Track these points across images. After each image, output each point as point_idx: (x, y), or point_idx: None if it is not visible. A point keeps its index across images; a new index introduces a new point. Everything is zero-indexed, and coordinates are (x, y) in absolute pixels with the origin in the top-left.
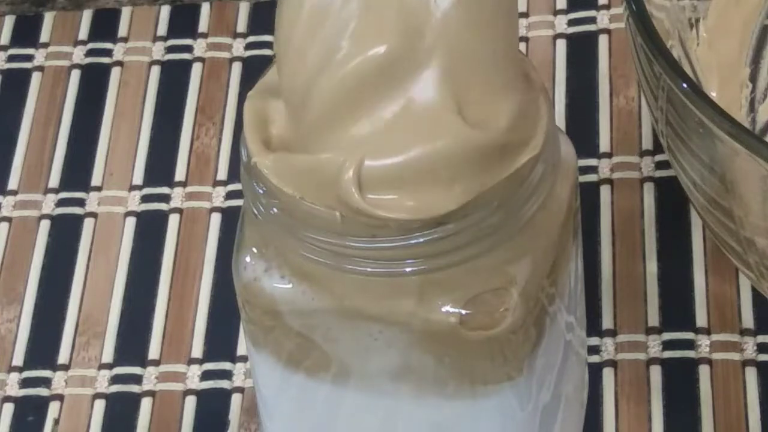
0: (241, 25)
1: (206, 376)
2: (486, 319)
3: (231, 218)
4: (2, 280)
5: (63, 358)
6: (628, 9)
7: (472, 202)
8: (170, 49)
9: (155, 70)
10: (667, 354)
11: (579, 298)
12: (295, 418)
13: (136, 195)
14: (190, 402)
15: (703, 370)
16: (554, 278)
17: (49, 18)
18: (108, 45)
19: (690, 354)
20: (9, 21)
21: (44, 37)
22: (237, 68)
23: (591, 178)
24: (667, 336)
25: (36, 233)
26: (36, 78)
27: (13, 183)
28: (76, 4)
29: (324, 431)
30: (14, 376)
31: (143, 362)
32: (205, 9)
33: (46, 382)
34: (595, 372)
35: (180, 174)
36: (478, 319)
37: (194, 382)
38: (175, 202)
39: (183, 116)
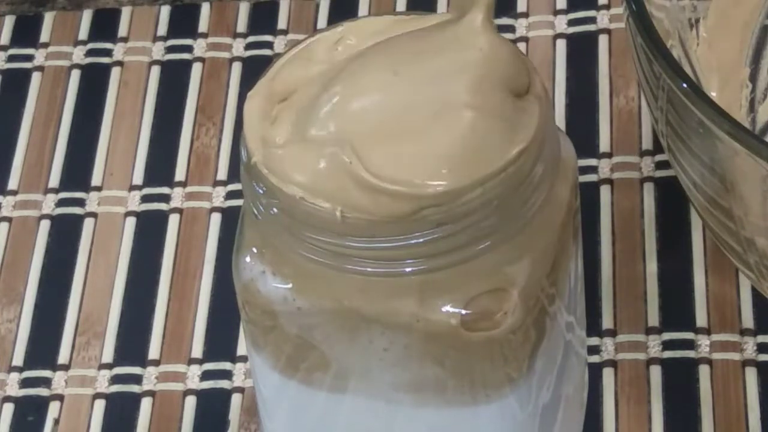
0: (241, 25)
1: (206, 376)
2: (486, 319)
3: (231, 218)
4: (2, 280)
5: (63, 358)
6: (628, 9)
7: (469, 198)
8: (170, 49)
9: (155, 70)
10: (667, 354)
11: (579, 298)
12: (295, 419)
13: (136, 195)
14: (190, 402)
15: (703, 370)
16: (554, 278)
17: (49, 18)
18: (108, 45)
19: (690, 354)
20: (9, 21)
21: (44, 37)
22: (237, 68)
23: (591, 178)
24: (667, 336)
25: (36, 233)
26: (36, 78)
27: (13, 183)
28: (76, 4)
29: (323, 431)
30: (14, 376)
31: (143, 362)
32: (205, 9)
33: (46, 382)
34: (595, 372)
35: (180, 174)
36: (478, 319)
37: (194, 382)
38: (175, 202)
39: (183, 116)
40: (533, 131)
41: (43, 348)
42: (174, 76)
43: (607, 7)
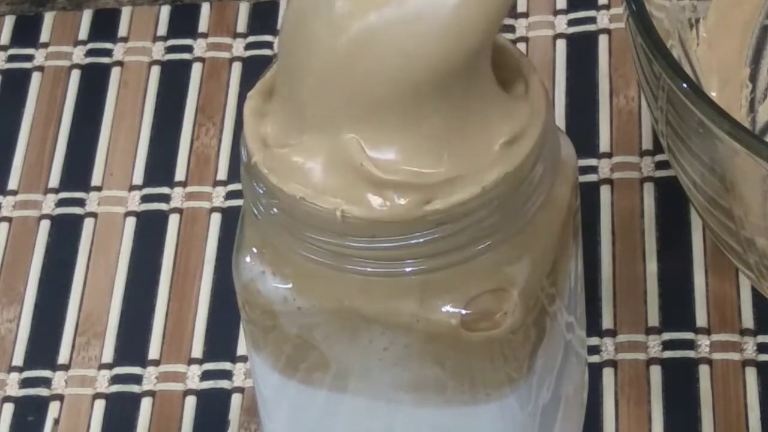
0: (241, 25)
1: (206, 376)
2: (486, 319)
3: (231, 218)
4: (2, 280)
5: (63, 358)
6: (628, 9)
7: (470, 196)
8: (170, 49)
9: (155, 70)
10: (667, 354)
11: (579, 298)
12: (295, 419)
13: (136, 195)
14: (190, 402)
15: (703, 370)
16: (554, 278)
17: (49, 18)
18: (108, 45)
19: (690, 354)
20: (9, 21)
21: (44, 37)
22: (237, 68)
23: (591, 178)
24: (667, 336)
25: (36, 233)
26: (36, 78)
27: (13, 183)
28: (76, 4)
29: (323, 431)
30: (14, 376)
31: (143, 362)
32: (205, 9)
33: (46, 382)
34: (595, 372)
35: (180, 174)
36: (478, 319)
37: (194, 382)
38: (175, 202)
39: (183, 116)
40: (533, 130)
41: (43, 348)
42: (174, 76)
43: (607, 7)
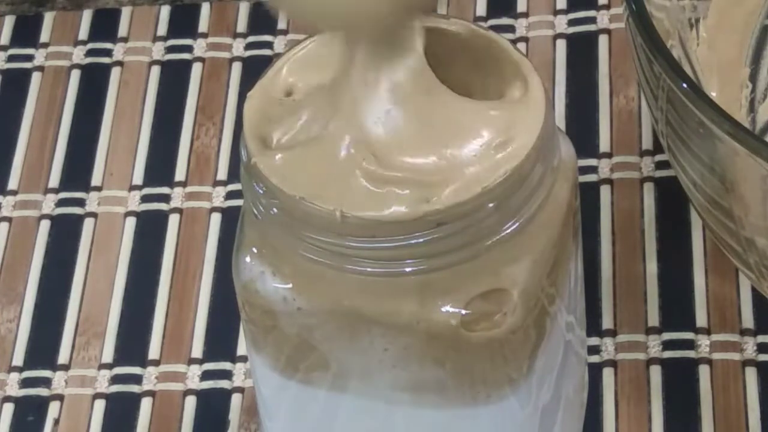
0: (241, 25)
1: (206, 376)
2: (486, 319)
3: (231, 218)
4: (2, 280)
5: (63, 358)
6: (628, 9)
7: (470, 197)
8: (170, 49)
9: (155, 70)
10: (667, 354)
11: (579, 298)
12: (295, 419)
13: (136, 195)
14: (190, 402)
15: (703, 370)
16: (554, 278)
17: (49, 18)
18: (108, 45)
19: (690, 354)
20: (9, 21)
21: (44, 37)
22: (237, 68)
23: (591, 178)
24: (667, 336)
25: (36, 233)
26: (36, 78)
27: (13, 183)
28: (76, 4)
29: (323, 431)
30: (14, 376)
31: (143, 362)
32: (205, 9)
33: (46, 382)
34: (595, 372)
35: (180, 174)
36: (478, 319)
37: (194, 382)
38: (175, 202)
39: (183, 116)
40: (533, 131)
41: (43, 348)
42: (174, 76)
43: (607, 7)
